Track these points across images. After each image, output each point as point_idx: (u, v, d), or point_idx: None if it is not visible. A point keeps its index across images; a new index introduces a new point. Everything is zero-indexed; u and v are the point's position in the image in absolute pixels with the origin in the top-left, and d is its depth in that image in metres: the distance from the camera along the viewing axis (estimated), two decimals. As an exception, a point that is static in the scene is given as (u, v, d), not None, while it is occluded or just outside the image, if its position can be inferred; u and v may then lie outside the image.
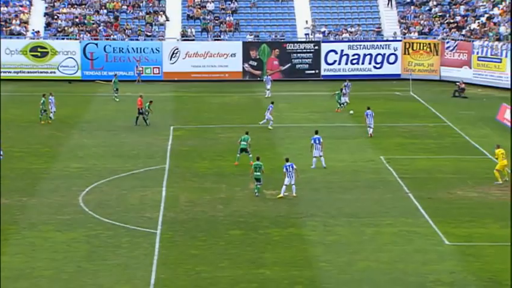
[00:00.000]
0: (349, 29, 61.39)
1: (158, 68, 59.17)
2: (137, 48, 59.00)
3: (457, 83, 53.68)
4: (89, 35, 60.41)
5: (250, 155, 36.03)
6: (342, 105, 47.32)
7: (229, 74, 59.00)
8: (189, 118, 45.20)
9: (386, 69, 58.96)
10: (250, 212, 30.39)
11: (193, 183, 34.38)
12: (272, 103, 44.75)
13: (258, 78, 58.75)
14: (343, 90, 48.38)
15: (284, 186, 31.74)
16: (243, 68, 59.26)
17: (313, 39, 60.21)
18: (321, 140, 35.19)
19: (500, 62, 55.10)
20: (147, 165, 37.08)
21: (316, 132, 35.68)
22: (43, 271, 24.66)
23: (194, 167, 36.68)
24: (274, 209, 30.58)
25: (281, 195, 31.67)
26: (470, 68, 56.47)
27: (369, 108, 41.74)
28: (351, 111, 45.64)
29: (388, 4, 63.10)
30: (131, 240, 27.59)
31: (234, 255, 26.22)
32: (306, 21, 62.14)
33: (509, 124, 43.25)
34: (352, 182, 34.20)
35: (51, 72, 58.48)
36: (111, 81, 53.14)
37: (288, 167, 31.68)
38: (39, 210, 30.46)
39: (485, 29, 57.85)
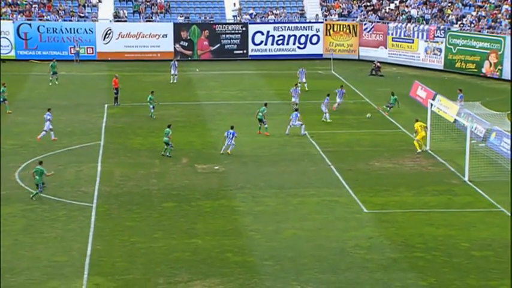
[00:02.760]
0: (274, 12, 61.41)
1: (92, 48, 57.86)
2: (71, 29, 57.45)
3: (374, 62, 54.53)
4: (22, 15, 58.43)
5: (266, 125, 37.05)
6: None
7: (161, 54, 58.24)
8: (122, 97, 44.37)
9: (310, 50, 59.33)
10: (183, 185, 30.22)
11: (128, 158, 33.90)
12: (328, 95, 40.69)
13: (189, 58, 58.28)
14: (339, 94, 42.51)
15: (224, 146, 33.54)
16: (175, 48, 58.59)
17: (241, 21, 59.94)
18: (235, 135, 34.04)
19: (413, 42, 56.23)
20: (82, 141, 36.33)
21: (232, 128, 34.53)
22: (-20, 245, 23.94)
23: (128, 143, 36.15)
24: (206, 182, 30.48)
25: (221, 152, 33.69)
26: (386, 48, 57.42)
27: (341, 87, 42.67)
28: (368, 115, 40.54)
29: (310, -12, 63.22)
30: (67, 213, 27.06)
31: (167, 227, 26.06)
32: (234, 4, 61.84)
33: (421, 100, 44.22)
34: (278, 155, 34.39)
35: (-16, 52, 56.41)
36: (45, 61, 51.59)
37: (229, 134, 33.82)
38: (-25, 187, 29.48)
39: (398, 12, 58.92)
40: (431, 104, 37.15)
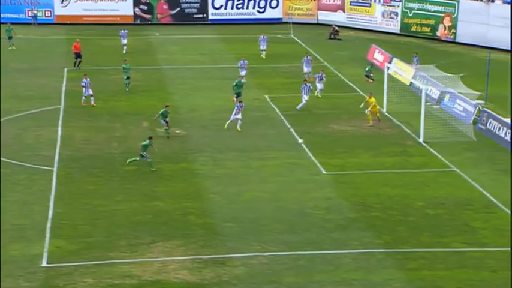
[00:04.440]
0: (234, -25, 60.55)
1: (50, 11, 56.48)
2: (29, -8, 55.93)
3: (332, 26, 54.43)
4: (-22, -22, 56.63)
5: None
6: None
7: (121, 18, 57.13)
8: (82, 61, 43.47)
9: (269, 14, 58.88)
10: (144, 149, 29.90)
11: (88, 122, 33.38)
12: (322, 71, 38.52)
13: (149, 22, 57.32)
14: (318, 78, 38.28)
15: (229, 120, 31.96)
16: (134, 12, 57.54)
17: (200, -15, 59.04)
18: (243, 106, 32.19)
19: (370, 6, 56.22)
20: (42, 105, 35.63)
21: (240, 100, 32.81)
22: None
23: (88, 107, 35.54)
24: (167, 146, 30.24)
25: (226, 126, 31.99)
26: (344, 12, 57.32)
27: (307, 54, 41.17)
28: (301, 140, 31.52)
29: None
30: (28, 177, 26.63)
31: (129, 190, 25.85)
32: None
33: (378, 63, 44.37)
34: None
35: None
36: (1, 23, 50.19)
37: (236, 106, 31.98)
38: None
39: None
40: (388, 67, 37.31)
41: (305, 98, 35.29)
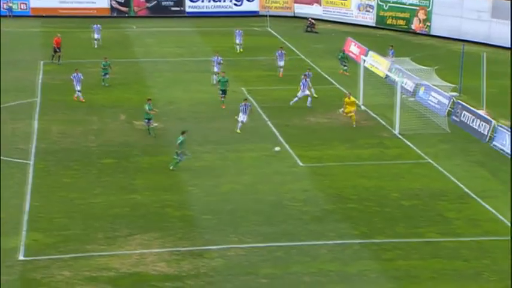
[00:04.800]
0: (211, -32, 60.35)
1: (25, 3, 55.89)
2: (3, -16, 55.26)
3: (308, 19, 54.52)
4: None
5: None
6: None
7: (97, 11, 56.70)
8: (61, 54, 43.05)
9: (246, 6, 58.81)
10: (121, 142, 29.81)
11: (65, 115, 33.15)
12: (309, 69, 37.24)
13: (126, 15, 56.96)
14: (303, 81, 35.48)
15: (239, 123, 30.78)
16: (111, 4, 57.13)
17: (177, -23, 58.78)
18: (250, 107, 31.32)
19: (346, -1, 56.48)
20: (18, 98, 35.28)
21: (245, 99, 32.04)
22: None
23: (65, 100, 35.29)
24: (144, 139, 30.14)
25: (238, 131, 30.70)
26: (320, 5, 57.43)
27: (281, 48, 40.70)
28: (277, 148, 29.56)
29: None
30: (4, 171, 26.35)
31: (106, 183, 25.74)
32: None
33: (354, 56, 44.59)
34: (216, 111, 34.22)
35: None
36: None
37: (243, 106, 30.76)
38: None
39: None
40: (364, 60, 37.51)
41: (306, 93, 34.19)
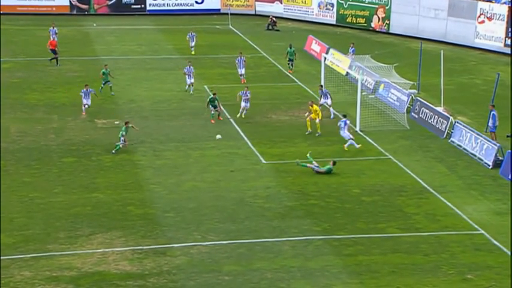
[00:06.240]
0: (172, -34, 59.93)
1: (-17, 0, 54.73)
2: (-42, -20, 53.99)
3: (270, 17, 54.60)
4: None
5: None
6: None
7: (56, 8, 55.84)
8: (17, 51, 42.38)
9: (207, 4, 58.57)
10: (83, 140, 29.45)
11: (24, 114, 32.59)
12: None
13: (86, 13, 56.22)
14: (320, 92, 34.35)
15: (240, 110, 32.37)
16: (70, 2, 56.29)
17: (138, -25, 58.21)
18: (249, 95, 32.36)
19: (307, -3, 56.69)
20: (-25, 97, 34.56)
21: (247, 88, 32.86)
22: None
23: (24, 99, 34.70)
24: (106, 137, 29.81)
25: (238, 115, 32.49)
26: (281, 3, 57.55)
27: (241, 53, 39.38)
28: (218, 136, 30.20)
29: None
30: (-38, 171, 25.82)
31: (67, 182, 25.40)
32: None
33: (315, 54, 44.79)
34: (179, 109, 34.05)
35: None
36: None
37: (242, 93, 32.57)
38: None
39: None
40: (325, 58, 37.70)
41: (328, 102, 33.34)
